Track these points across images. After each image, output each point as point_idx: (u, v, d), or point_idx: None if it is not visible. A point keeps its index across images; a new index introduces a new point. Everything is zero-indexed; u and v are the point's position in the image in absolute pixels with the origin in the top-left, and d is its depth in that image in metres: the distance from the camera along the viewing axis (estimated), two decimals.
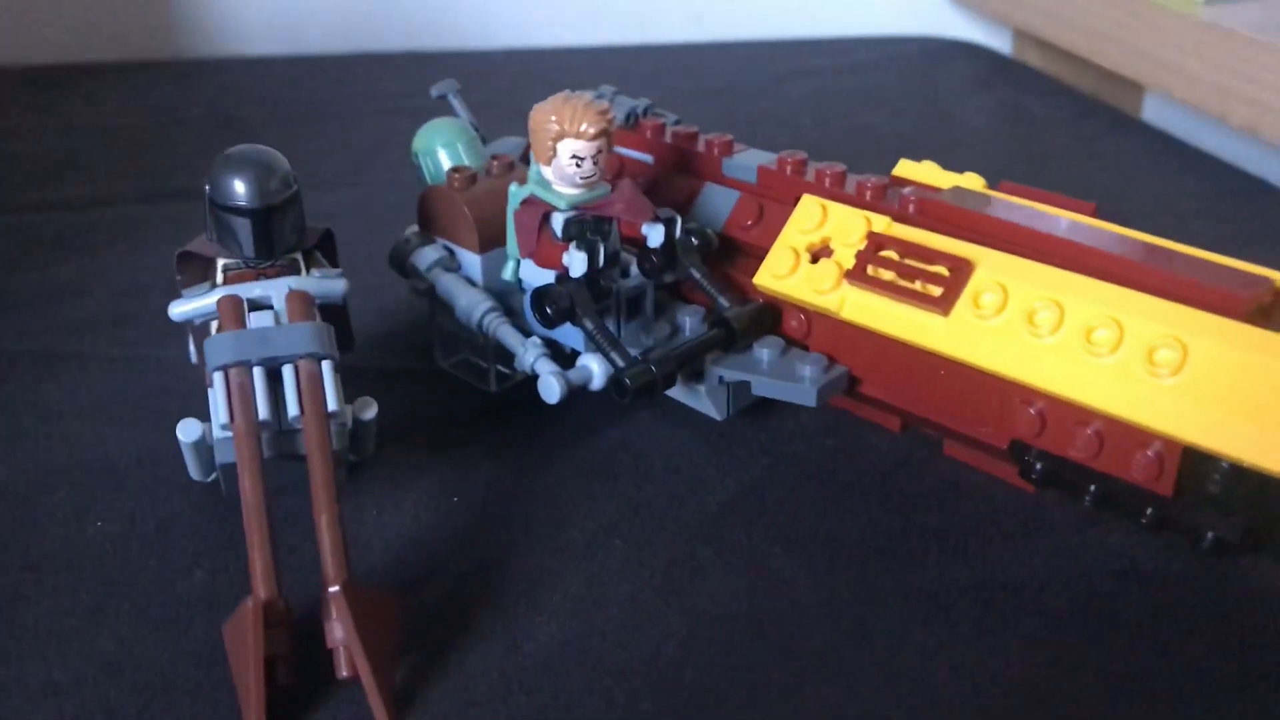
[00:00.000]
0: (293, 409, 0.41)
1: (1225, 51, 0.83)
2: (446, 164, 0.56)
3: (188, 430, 0.42)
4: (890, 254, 0.47)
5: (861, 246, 0.48)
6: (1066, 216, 0.47)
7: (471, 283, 0.54)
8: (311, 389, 0.41)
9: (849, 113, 1.02)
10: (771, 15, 1.26)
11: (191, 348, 0.49)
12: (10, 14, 1.13)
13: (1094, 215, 0.49)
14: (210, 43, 1.17)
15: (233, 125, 0.96)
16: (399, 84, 1.06)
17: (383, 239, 0.57)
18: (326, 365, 0.42)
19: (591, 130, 0.47)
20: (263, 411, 0.40)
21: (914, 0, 1.27)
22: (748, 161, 0.55)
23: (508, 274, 0.52)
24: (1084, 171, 0.89)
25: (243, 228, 0.45)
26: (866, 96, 1.07)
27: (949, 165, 0.53)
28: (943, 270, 0.46)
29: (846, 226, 0.49)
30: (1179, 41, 0.88)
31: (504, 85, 1.07)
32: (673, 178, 0.58)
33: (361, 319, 0.54)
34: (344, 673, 0.38)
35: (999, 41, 1.26)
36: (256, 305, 0.44)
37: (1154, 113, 1.06)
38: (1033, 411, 0.44)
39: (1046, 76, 1.13)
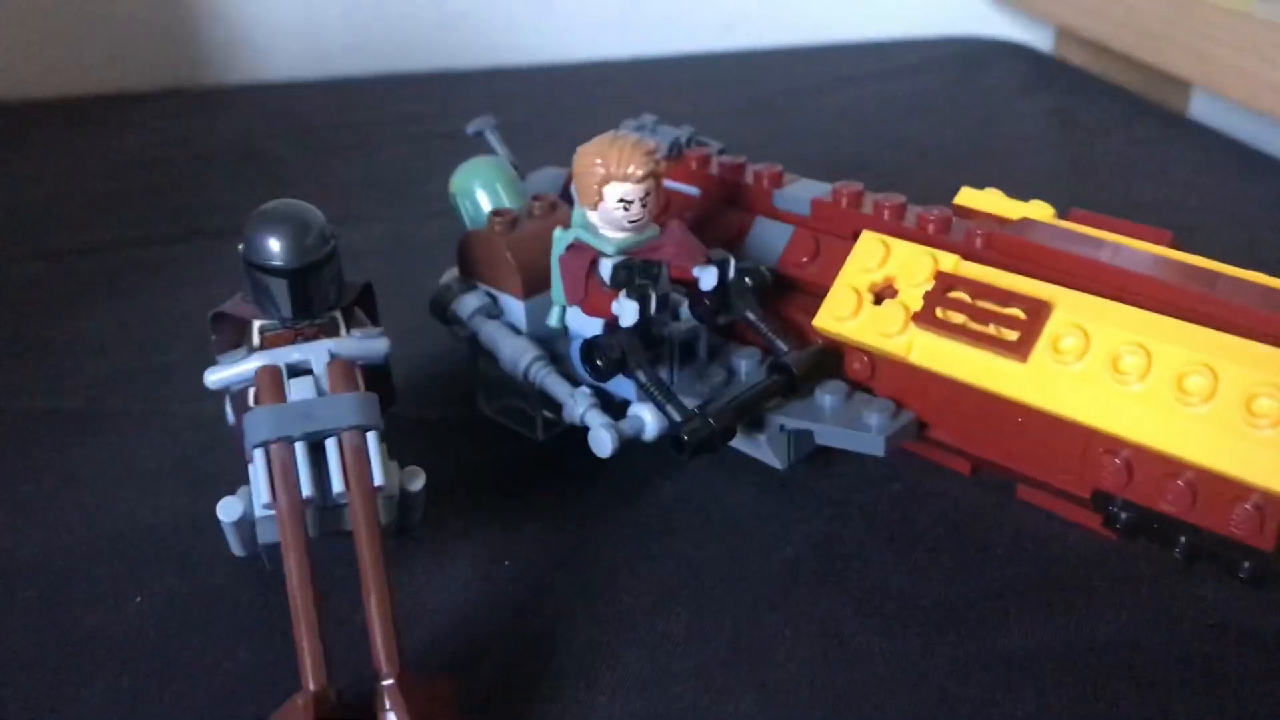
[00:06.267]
0: (337, 485, 0.39)
1: None
2: (486, 206, 0.53)
3: (228, 510, 0.40)
4: (960, 295, 0.44)
5: (929, 287, 0.45)
6: (1145, 249, 0.45)
7: (515, 330, 0.52)
8: (357, 463, 0.38)
9: (890, 124, 0.99)
10: (803, 21, 1.23)
11: (229, 409, 0.47)
12: (36, 45, 1.12)
13: (1171, 244, 0.46)
14: (236, 69, 1.15)
15: (263, 157, 0.94)
16: (430, 106, 1.04)
17: (421, 276, 0.55)
18: (372, 436, 0.39)
19: (639, 173, 0.45)
20: (306, 489, 0.38)
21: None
22: (800, 194, 0.53)
23: (553, 320, 0.50)
24: (1141, 181, 0.86)
25: (279, 288, 0.42)
26: (907, 105, 1.04)
27: (999, 178, 0.51)
28: (1018, 313, 0.43)
29: (912, 265, 0.46)
30: (1234, 40, 0.85)
31: (537, 103, 1.06)
32: (722, 211, 0.55)
33: (401, 365, 0.52)
34: None
35: (1040, 39, 1.23)
36: (295, 370, 0.42)
37: (1202, 110, 1.03)
38: (1118, 461, 0.41)
39: (1091, 76, 1.10)
